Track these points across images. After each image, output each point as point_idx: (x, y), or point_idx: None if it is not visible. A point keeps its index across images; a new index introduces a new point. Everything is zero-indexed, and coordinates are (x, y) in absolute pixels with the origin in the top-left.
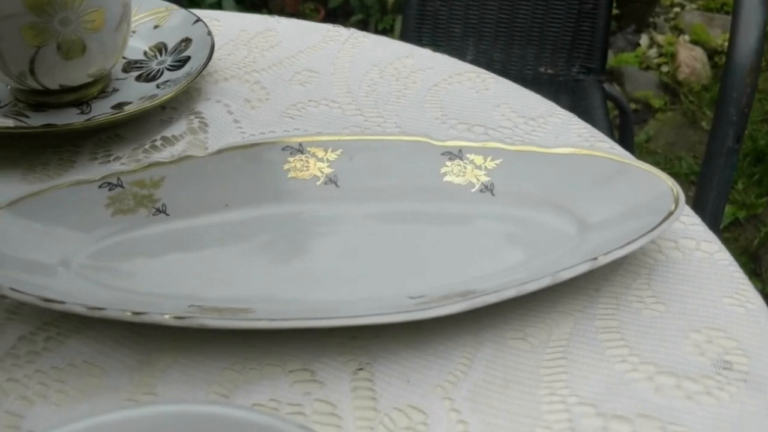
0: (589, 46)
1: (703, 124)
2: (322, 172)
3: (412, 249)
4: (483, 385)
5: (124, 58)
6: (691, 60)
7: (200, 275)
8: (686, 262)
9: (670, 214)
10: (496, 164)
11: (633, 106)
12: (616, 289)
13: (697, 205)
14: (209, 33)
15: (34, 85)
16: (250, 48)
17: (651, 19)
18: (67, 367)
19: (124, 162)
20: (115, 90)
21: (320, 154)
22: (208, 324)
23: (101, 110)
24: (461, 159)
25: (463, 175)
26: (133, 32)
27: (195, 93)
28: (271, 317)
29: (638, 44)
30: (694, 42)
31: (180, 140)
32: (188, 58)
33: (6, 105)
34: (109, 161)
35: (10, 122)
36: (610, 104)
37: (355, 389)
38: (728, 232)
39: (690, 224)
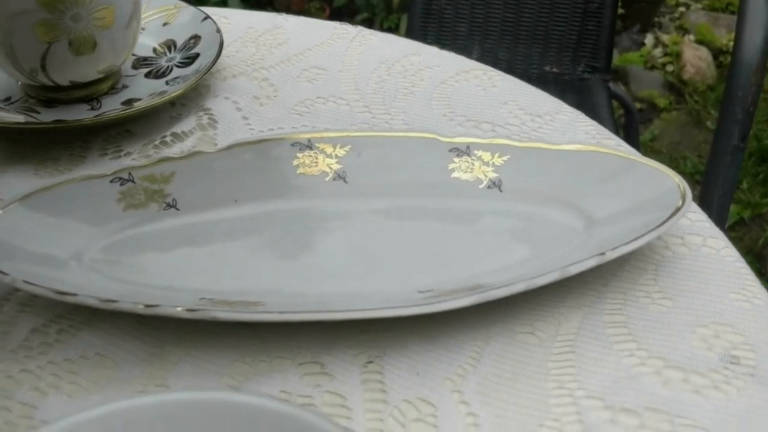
0: (595, 45)
1: (708, 123)
2: (330, 168)
3: (420, 245)
4: (492, 379)
5: (133, 54)
6: (696, 60)
7: (210, 270)
8: (693, 258)
9: (677, 210)
10: (503, 161)
11: (638, 105)
12: (623, 285)
13: (703, 203)
14: (218, 30)
15: (45, 81)
16: (258, 45)
17: (656, 19)
18: (80, 359)
19: (134, 158)
20: (125, 86)
21: (329, 150)
22: (219, 316)
23: (111, 106)
24: (469, 155)
25: (471, 172)
26: (143, 29)
27: (204, 90)
28: (282, 310)
29: (643, 44)
30: (699, 42)
31: (189, 136)
32: (197, 55)
33: (17, 101)
34: (120, 157)
35: (20, 118)
36: (615, 103)
37: (364, 381)
38: (733, 232)
39: (696, 220)
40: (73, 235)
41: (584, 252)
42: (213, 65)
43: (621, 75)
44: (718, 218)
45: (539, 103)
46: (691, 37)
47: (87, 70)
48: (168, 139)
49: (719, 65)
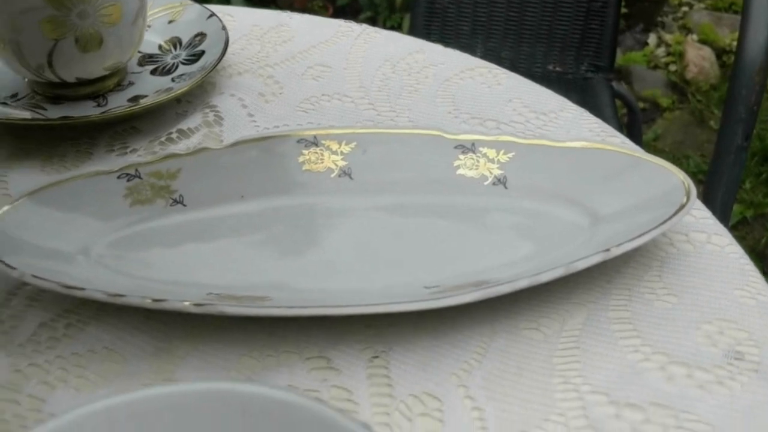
0: (598, 45)
1: (711, 123)
2: (336, 165)
3: (425, 241)
4: (497, 374)
5: (139, 52)
6: (699, 59)
7: (216, 265)
8: (697, 255)
9: (682, 206)
10: (508, 157)
11: (641, 104)
12: (628, 281)
13: (706, 203)
14: (223, 28)
15: (52, 78)
16: (263, 43)
17: (659, 19)
18: (87, 353)
19: (140, 154)
20: (131, 83)
21: (334, 146)
22: (226, 311)
23: (117, 103)
24: (474, 152)
25: (476, 169)
26: (149, 27)
27: (210, 87)
28: (288, 305)
29: (646, 43)
30: (702, 41)
31: (195, 133)
32: (203, 53)
33: (23, 97)
34: (126, 153)
35: (27, 114)
36: (618, 103)
37: (370, 376)
38: (736, 231)
39: (701, 218)
40: (80, 230)
41: (589, 248)
42: (218, 62)
43: (624, 74)
44: (722, 218)
45: (544, 100)
46: (694, 36)
47: (93, 66)
48: (174, 135)
49: (722, 65)
